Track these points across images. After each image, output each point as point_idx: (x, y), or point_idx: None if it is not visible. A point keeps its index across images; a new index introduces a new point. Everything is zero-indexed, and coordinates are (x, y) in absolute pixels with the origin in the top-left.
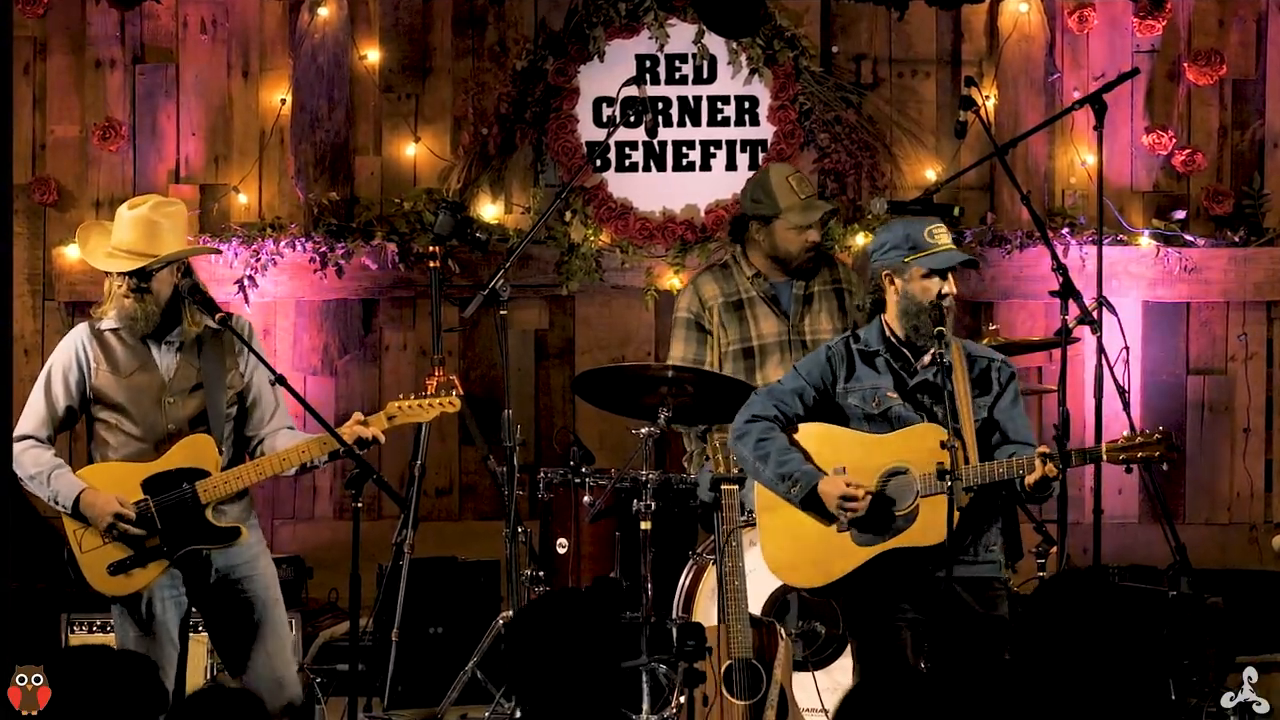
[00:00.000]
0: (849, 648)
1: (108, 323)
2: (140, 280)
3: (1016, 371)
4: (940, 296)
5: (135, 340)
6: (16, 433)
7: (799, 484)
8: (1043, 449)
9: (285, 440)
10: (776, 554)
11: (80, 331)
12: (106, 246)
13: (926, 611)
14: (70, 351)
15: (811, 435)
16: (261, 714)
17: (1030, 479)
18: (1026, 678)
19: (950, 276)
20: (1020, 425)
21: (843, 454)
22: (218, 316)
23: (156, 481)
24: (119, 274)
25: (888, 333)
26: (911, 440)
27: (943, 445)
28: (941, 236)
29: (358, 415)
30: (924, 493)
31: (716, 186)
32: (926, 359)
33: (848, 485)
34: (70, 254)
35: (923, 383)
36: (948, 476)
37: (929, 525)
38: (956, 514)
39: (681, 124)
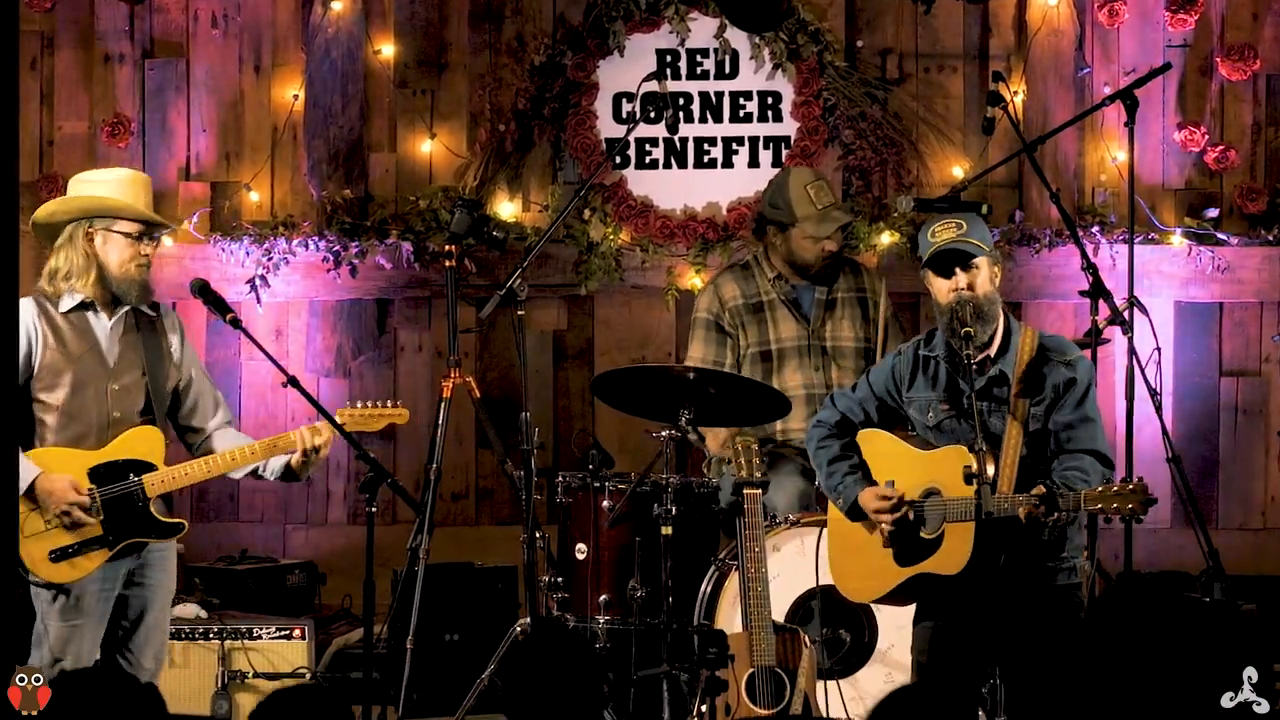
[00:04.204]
0: (874, 655)
1: (70, 300)
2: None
3: (1082, 376)
4: (952, 293)
5: (83, 322)
6: None
7: (843, 495)
8: (1039, 487)
9: (229, 439)
10: (834, 562)
11: (27, 306)
12: (143, 204)
13: (984, 629)
14: (20, 325)
15: (872, 443)
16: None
17: (1020, 515)
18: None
19: (962, 272)
20: (1082, 434)
21: (892, 466)
22: (229, 317)
23: (102, 471)
24: (149, 239)
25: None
26: (946, 460)
27: (971, 449)
28: (942, 233)
29: (314, 426)
30: (950, 518)
31: (739, 184)
32: (975, 367)
33: (880, 497)
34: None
35: (978, 391)
36: (974, 480)
37: (950, 553)
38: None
39: (703, 120)
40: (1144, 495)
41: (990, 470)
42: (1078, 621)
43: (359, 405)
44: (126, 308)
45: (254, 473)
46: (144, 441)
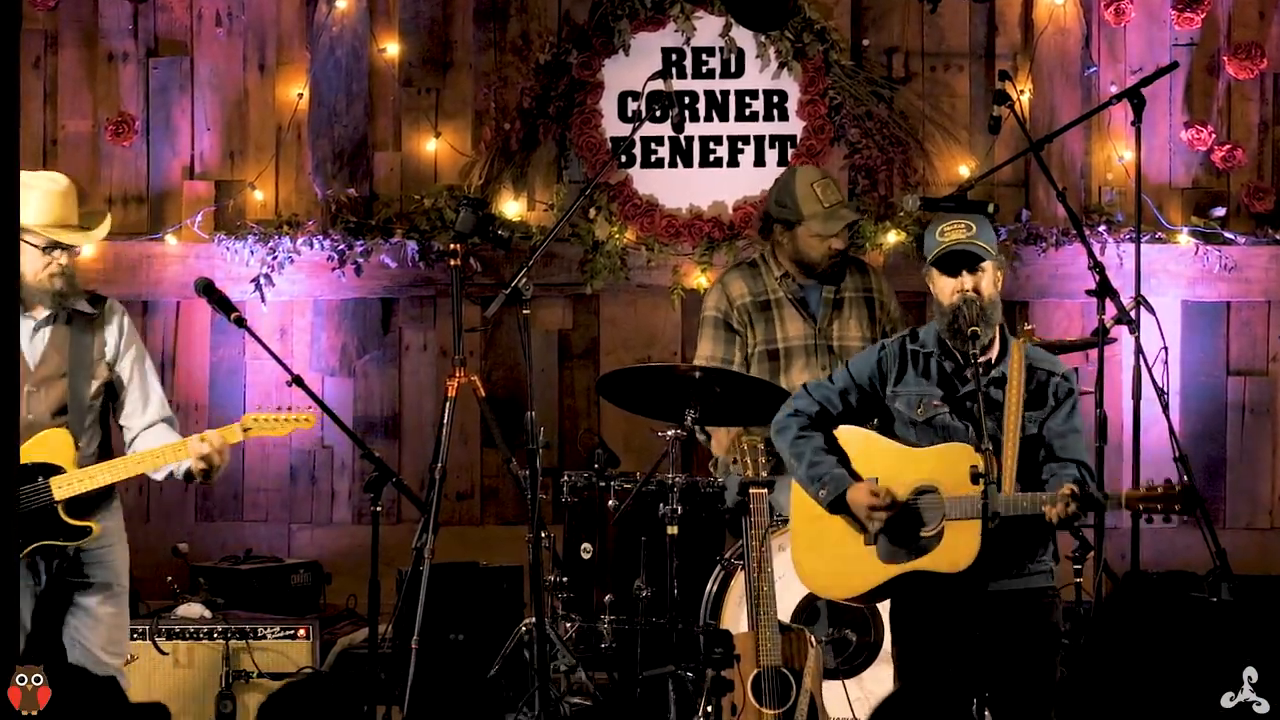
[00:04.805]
0: (881, 655)
1: None
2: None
3: (1076, 388)
4: (957, 294)
5: None
6: None
7: (828, 487)
8: (1069, 488)
9: (157, 437)
10: (804, 560)
11: None
12: (51, 218)
13: (968, 628)
14: None
15: (850, 440)
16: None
17: (1051, 515)
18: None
19: (968, 273)
20: (1071, 444)
21: (878, 464)
22: (233, 316)
23: None
24: (62, 249)
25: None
26: (945, 458)
27: (978, 449)
28: (951, 233)
29: (204, 435)
30: (950, 516)
31: (744, 183)
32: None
33: (874, 494)
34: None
35: (973, 391)
36: (981, 480)
37: (953, 551)
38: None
39: (708, 119)
40: (1192, 496)
41: (994, 471)
42: (1049, 623)
43: (269, 410)
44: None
45: (172, 473)
46: (53, 444)
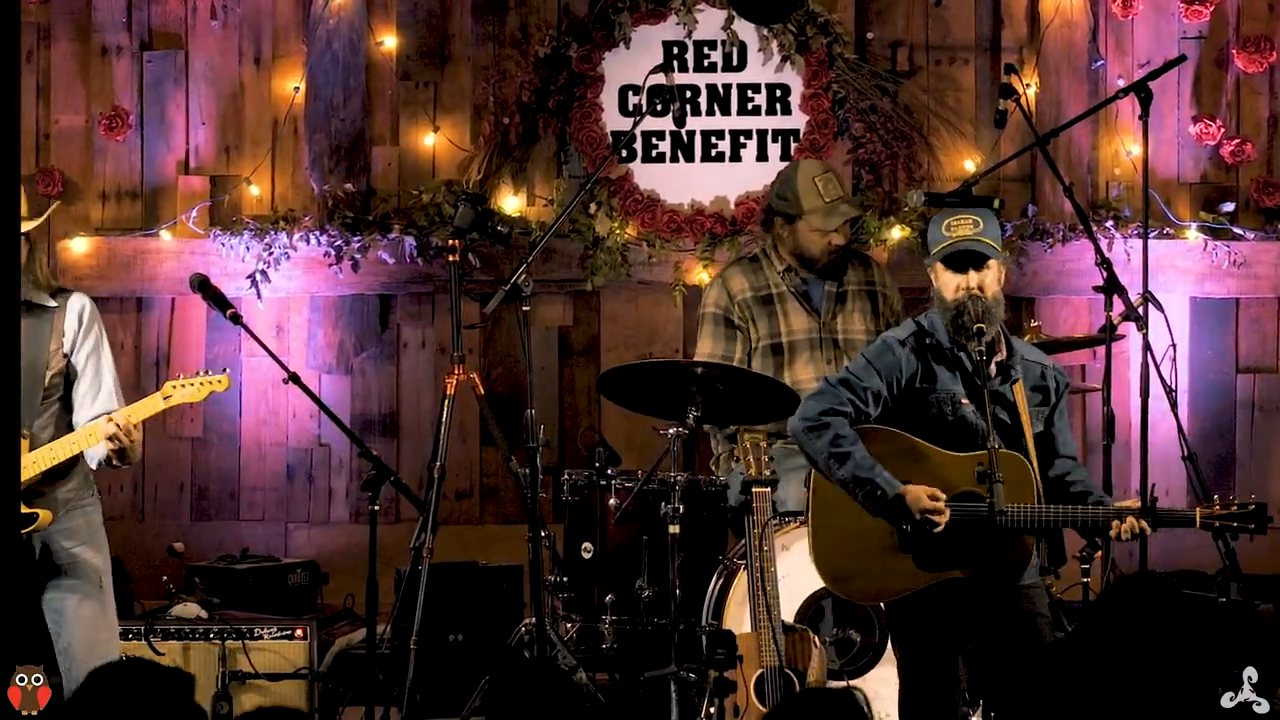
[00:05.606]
0: (885, 656)
1: None
2: None
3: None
4: (962, 290)
5: None
6: None
7: (881, 490)
8: (1134, 503)
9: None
10: (829, 561)
11: None
12: None
13: (976, 628)
14: None
15: (879, 439)
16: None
17: (1121, 531)
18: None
19: (974, 270)
20: (1068, 438)
21: (910, 466)
22: (229, 313)
23: None
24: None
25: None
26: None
27: (984, 447)
28: (958, 228)
29: (110, 416)
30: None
31: (747, 178)
32: (994, 366)
33: (931, 498)
34: (76, 247)
35: (993, 392)
36: (987, 479)
37: (1002, 560)
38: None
39: (710, 113)
40: (1264, 515)
41: (1035, 477)
42: (1041, 612)
43: (183, 376)
44: None
45: (108, 463)
46: None
